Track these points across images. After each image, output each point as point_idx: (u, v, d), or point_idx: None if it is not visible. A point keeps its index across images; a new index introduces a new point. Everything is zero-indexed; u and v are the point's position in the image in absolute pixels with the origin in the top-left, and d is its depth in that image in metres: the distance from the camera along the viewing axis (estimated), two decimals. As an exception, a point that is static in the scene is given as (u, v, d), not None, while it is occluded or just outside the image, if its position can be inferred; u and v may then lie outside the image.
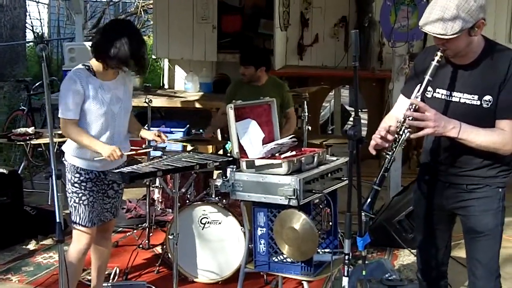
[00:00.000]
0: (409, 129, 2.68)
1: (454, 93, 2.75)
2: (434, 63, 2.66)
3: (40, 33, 13.01)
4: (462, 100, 2.73)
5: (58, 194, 2.84)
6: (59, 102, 3.52)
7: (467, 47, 2.66)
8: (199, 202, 4.35)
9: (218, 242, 4.27)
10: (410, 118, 2.64)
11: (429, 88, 2.76)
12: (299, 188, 3.05)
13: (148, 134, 3.83)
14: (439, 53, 2.66)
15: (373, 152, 2.79)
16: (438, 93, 2.79)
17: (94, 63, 3.57)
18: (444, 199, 2.91)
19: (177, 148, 6.41)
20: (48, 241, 5.12)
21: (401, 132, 2.69)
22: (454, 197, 2.87)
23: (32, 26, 13.18)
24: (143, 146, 4.88)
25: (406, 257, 4.85)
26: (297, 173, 3.16)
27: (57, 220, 2.79)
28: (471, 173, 2.81)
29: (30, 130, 5.91)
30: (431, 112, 2.63)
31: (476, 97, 2.70)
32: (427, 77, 2.67)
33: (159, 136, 3.76)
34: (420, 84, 2.69)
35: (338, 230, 3.59)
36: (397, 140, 2.71)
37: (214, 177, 4.61)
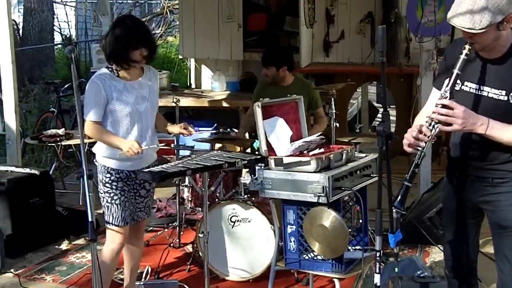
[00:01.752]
0: (438, 125, 2.65)
1: (483, 87, 2.72)
2: (462, 56, 2.63)
3: (68, 35, 13.17)
4: (490, 95, 2.70)
5: (90, 194, 2.87)
6: (84, 104, 3.59)
7: (495, 41, 2.62)
8: (228, 201, 4.37)
9: (248, 240, 4.28)
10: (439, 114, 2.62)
11: (458, 81, 2.73)
12: (328, 185, 3.05)
13: (175, 128, 3.86)
14: (467, 46, 2.62)
15: (409, 150, 2.76)
16: (467, 86, 2.76)
17: (115, 65, 3.63)
18: (471, 193, 2.88)
19: (205, 147, 6.44)
20: (80, 241, 5.19)
21: (430, 128, 2.66)
22: (481, 190, 2.84)
23: (60, 29, 13.36)
24: (172, 146, 4.93)
25: (438, 254, 4.80)
26: (326, 170, 3.16)
27: (89, 219, 2.82)
28: (497, 167, 2.78)
29: (61, 131, 6.00)
30: (459, 109, 2.60)
31: (503, 92, 2.67)
32: (455, 71, 2.64)
33: (185, 128, 3.78)
34: (448, 78, 2.66)
35: (368, 227, 3.58)
36: (427, 135, 2.68)
37: (243, 175, 4.62)
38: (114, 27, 3.64)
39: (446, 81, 2.67)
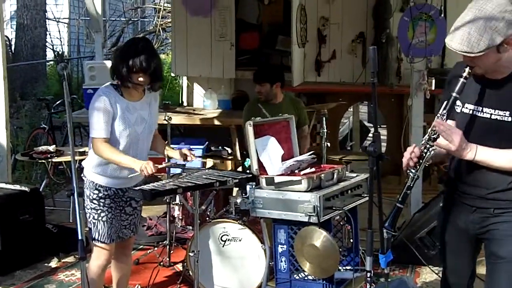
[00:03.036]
0: (433, 148, 2.65)
1: (485, 109, 2.67)
2: (461, 79, 2.60)
3: (60, 52, 13.19)
4: (493, 116, 2.65)
5: (80, 211, 2.86)
6: (90, 122, 3.56)
7: (495, 63, 2.57)
8: (219, 219, 4.35)
9: (239, 260, 4.26)
10: (434, 136, 2.61)
11: (458, 103, 2.70)
12: (319, 205, 3.06)
13: (175, 153, 3.81)
14: (467, 70, 2.59)
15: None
16: (466, 108, 2.72)
17: (118, 82, 3.63)
18: (469, 223, 2.80)
19: (197, 165, 6.44)
20: (69, 259, 5.15)
21: (425, 150, 2.66)
22: (480, 221, 2.76)
23: (53, 45, 13.38)
24: (163, 163, 4.91)
25: (429, 274, 4.80)
26: (317, 190, 3.16)
27: (79, 237, 2.81)
28: (498, 196, 2.69)
29: (51, 148, 5.98)
30: (456, 134, 2.58)
31: (507, 113, 2.62)
32: (453, 94, 2.61)
33: (185, 155, 3.75)
34: (446, 101, 2.64)
35: (359, 247, 3.58)
36: (422, 158, 2.67)
37: (234, 194, 4.62)
38: (124, 47, 3.64)
39: (444, 103, 2.66)
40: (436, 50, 5.71)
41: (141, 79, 3.53)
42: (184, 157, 3.75)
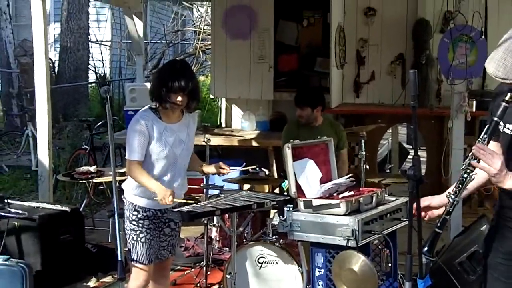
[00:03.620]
0: (475, 173, 2.61)
1: None
2: (503, 104, 2.58)
3: (102, 74, 13.45)
4: None
5: (120, 232, 2.89)
6: (126, 143, 3.63)
7: None
8: (256, 242, 4.35)
9: (275, 282, 4.24)
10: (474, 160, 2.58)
11: (501, 123, 2.67)
12: (357, 228, 3.03)
13: (210, 168, 3.89)
14: (509, 94, 2.57)
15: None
16: (508, 128, 2.69)
17: (156, 104, 3.68)
18: None
19: (234, 187, 6.45)
20: (107, 279, 5.19)
21: (465, 175, 2.63)
22: None
23: (95, 67, 13.65)
24: (201, 185, 4.95)
25: (467, 300, 4.69)
26: (355, 214, 3.14)
27: (119, 258, 2.84)
28: None
29: (92, 168, 6.07)
30: (496, 158, 2.55)
31: None
32: (495, 119, 2.59)
33: (221, 168, 3.80)
34: (488, 125, 2.62)
35: (397, 272, 3.53)
36: (462, 182, 2.64)
37: (271, 216, 4.61)
38: (162, 67, 3.73)
39: (485, 128, 2.64)
40: (476, 72, 5.64)
41: (179, 98, 3.58)
42: (219, 170, 3.79)
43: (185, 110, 3.73)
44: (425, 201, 2.79)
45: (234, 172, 6.91)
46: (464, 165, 2.64)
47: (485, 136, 2.60)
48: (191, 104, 3.69)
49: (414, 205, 2.62)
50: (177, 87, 3.54)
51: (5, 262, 4.56)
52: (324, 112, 5.34)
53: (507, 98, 2.57)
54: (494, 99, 2.82)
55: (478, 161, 2.58)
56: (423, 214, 2.79)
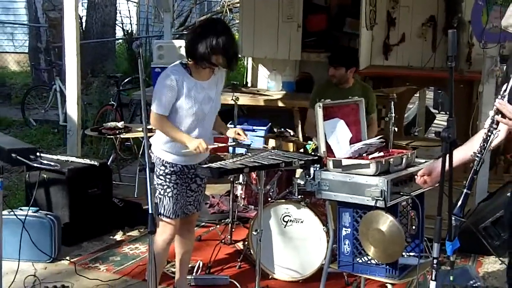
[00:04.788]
0: (498, 130, 2.61)
1: None
2: None
3: (129, 31, 13.42)
4: None
5: (151, 186, 2.92)
6: (153, 96, 3.65)
7: None
8: (282, 200, 4.38)
9: (300, 241, 4.27)
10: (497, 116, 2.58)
11: None
12: (386, 189, 3.02)
13: (230, 132, 3.90)
14: None
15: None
16: None
17: (190, 62, 3.67)
18: None
19: (259, 145, 6.47)
20: (134, 233, 5.28)
21: (489, 134, 2.62)
22: None
23: (122, 24, 13.62)
24: (228, 142, 4.96)
25: (491, 264, 4.70)
26: (385, 174, 3.13)
27: (150, 211, 2.87)
28: None
29: (120, 124, 6.12)
30: None
31: None
32: None
33: (239, 134, 3.83)
34: (506, 83, 2.64)
35: (424, 234, 3.53)
36: (487, 141, 2.64)
37: (297, 175, 4.62)
38: (203, 27, 3.66)
39: (504, 86, 2.64)
40: (510, 36, 5.51)
41: (220, 60, 3.58)
42: (237, 136, 3.83)
43: (228, 69, 3.73)
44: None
45: (259, 130, 6.98)
46: (487, 124, 2.64)
47: (505, 93, 2.60)
48: (232, 65, 3.69)
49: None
50: (221, 48, 3.53)
51: (35, 214, 4.67)
52: (354, 74, 5.29)
53: None
54: (510, 61, 2.82)
55: (503, 116, 2.58)
56: (427, 178, 2.81)
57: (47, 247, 4.62)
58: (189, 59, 3.68)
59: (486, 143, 2.65)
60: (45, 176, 4.93)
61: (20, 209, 4.65)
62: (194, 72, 3.67)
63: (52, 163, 4.24)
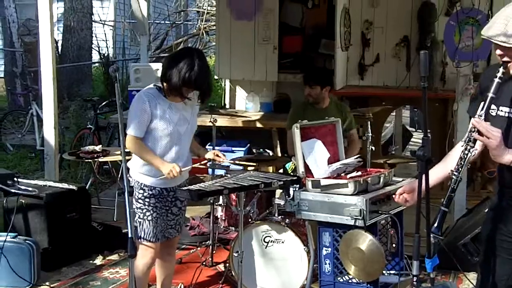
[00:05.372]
0: (475, 149, 2.65)
1: None
2: (496, 79, 2.62)
3: (105, 54, 13.42)
4: None
5: (130, 210, 2.92)
6: (128, 119, 3.65)
7: None
8: (262, 221, 4.38)
9: (281, 261, 4.27)
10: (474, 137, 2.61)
11: (493, 106, 2.70)
12: (365, 208, 3.06)
13: (209, 154, 3.91)
14: (501, 69, 2.61)
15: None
16: (502, 111, 2.72)
17: (165, 85, 3.69)
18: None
19: (238, 167, 6.47)
20: (114, 257, 5.24)
21: (466, 152, 2.66)
22: None
23: (98, 47, 13.61)
24: (208, 164, 4.97)
25: (472, 280, 4.74)
26: (363, 194, 3.16)
27: (129, 235, 2.87)
28: None
29: (98, 148, 6.09)
30: (495, 131, 2.58)
31: None
32: (490, 94, 2.62)
33: (217, 156, 3.84)
34: (483, 102, 2.64)
35: (404, 252, 3.57)
36: (464, 159, 2.67)
37: (277, 196, 4.64)
38: (178, 57, 3.65)
39: (481, 104, 2.66)
40: (482, 55, 5.64)
41: (191, 94, 3.60)
42: (215, 158, 3.84)
43: (199, 102, 3.75)
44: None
45: (238, 151, 6.99)
46: (463, 143, 2.67)
47: (482, 112, 2.63)
48: (204, 99, 3.72)
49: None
50: (193, 83, 3.55)
51: (13, 239, 4.62)
52: (330, 94, 5.35)
53: (499, 74, 2.60)
54: (482, 79, 2.86)
55: (480, 134, 2.61)
56: (408, 196, 2.85)
57: (26, 273, 4.57)
58: (164, 84, 3.70)
59: (463, 162, 2.67)
60: (23, 201, 4.88)
61: (-2, 235, 4.61)
62: (168, 94, 3.69)
63: (30, 188, 4.22)
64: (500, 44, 2.55)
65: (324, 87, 5.01)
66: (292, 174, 4.21)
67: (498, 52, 2.62)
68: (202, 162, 3.95)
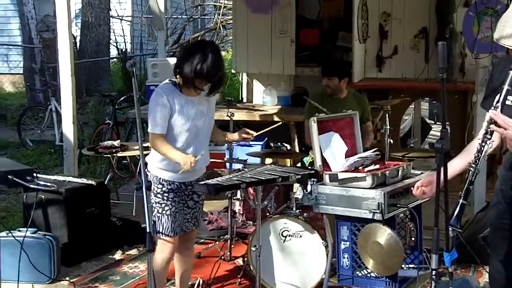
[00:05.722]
0: (492, 141, 2.63)
1: None
2: (511, 72, 2.61)
3: (123, 49, 13.47)
4: None
5: (148, 205, 2.93)
6: (148, 117, 3.65)
7: None
8: (280, 215, 4.37)
9: (299, 255, 4.26)
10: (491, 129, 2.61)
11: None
12: (383, 202, 3.04)
13: (235, 136, 3.92)
14: None
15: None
16: (509, 100, 2.72)
17: (179, 80, 3.69)
18: None
19: (256, 161, 6.48)
20: (133, 251, 5.26)
21: (483, 144, 2.64)
22: None
23: (116, 42, 13.66)
24: (224, 159, 4.98)
25: (492, 274, 4.69)
26: (381, 187, 3.14)
27: (147, 230, 2.88)
28: None
29: (116, 143, 6.12)
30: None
31: None
32: (506, 87, 2.63)
33: (247, 133, 3.83)
34: (499, 94, 2.65)
35: (423, 245, 3.54)
36: (481, 151, 2.66)
37: (295, 190, 4.63)
38: (191, 49, 3.67)
39: (497, 97, 2.65)
40: (502, 46, 5.56)
41: (203, 84, 3.60)
42: (244, 136, 3.84)
43: (207, 95, 3.75)
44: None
45: (255, 145, 6.99)
46: (480, 135, 2.66)
47: (498, 104, 2.63)
48: (214, 91, 3.72)
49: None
50: (205, 74, 3.54)
51: (33, 235, 4.65)
52: (348, 86, 5.33)
53: None
54: (493, 72, 2.84)
55: (497, 126, 2.60)
56: (426, 189, 2.84)
57: (46, 268, 4.61)
58: (177, 77, 3.70)
59: (480, 154, 2.67)
60: (42, 196, 4.92)
61: (18, 230, 4.65)
62: (183, 89, 3.69)
63: (49, 184, 4.25)
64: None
65: (342, 79, 4.99)
66: (309, 167, 4.21)
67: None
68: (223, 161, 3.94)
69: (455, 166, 2.80)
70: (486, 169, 5.67)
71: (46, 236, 4.70)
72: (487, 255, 4.71)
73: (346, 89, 5.13)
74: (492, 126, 2.62)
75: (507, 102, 2.73)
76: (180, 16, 14.98)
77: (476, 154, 2.68)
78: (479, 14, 5.54)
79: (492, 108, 2.64)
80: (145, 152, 4.20)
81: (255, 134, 3.83)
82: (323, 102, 5.01)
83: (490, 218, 3.01)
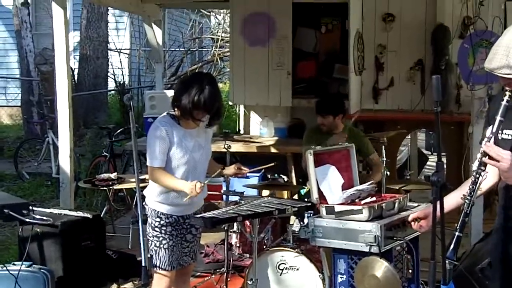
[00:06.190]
0: (486, 172, 2.63)
1: None
2: (503, 103, 2.63)
3: (121, 82, 13.54)
4: None
5: (144, 238, 2.91)
6: (147, 151, 3.66)
7: None
8: (276, 248, 4.35)
9: (297, 288, 4.23)
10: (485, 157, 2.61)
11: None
12: (380, 234, 3.03)
13: (230, 170, 3.95)
14: (508, 93, 2.63)
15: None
16: (506, 134, 2.74)
17: (177, 112, 3.70)
18: None
19: (253, 193, 6.46)
20: (128, 285, 5.22)
21: (477, 176, 2.64)
22: None
23: (114, 75, 13.74)
24: (221, 191, 4.97)
25: (491, 307, 4.65)
26: (378, 220, 3.13)
27: (143, 264, 2.86)
28: None
29: (113, 175, 6.12)
30: (506, 154, 2.58)
31: None
32: (498, 118, 2.65)
33: (239, 169, 3.84)
34: (492, 126, 2.66)
35: (420, 278, 3.52)
36: (475, 183, 2.66)
37: (291, 222, 4.61)
38: (188, 81, 3.69)
39: (490, 128, 2.67)
40: (497, 77, 5.60)
41: (202, 116, 3.61)
42: (238, 171, 3.89)
43: (207, 126, 3.76)
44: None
45: (252, 177, 6.97)
46: (475, 166, 2.66)
47: (491, 135, 2.63)
48: (214, 123, 3.74)
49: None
50: (202, 105, 3.56)
51: (28, 268, 4.60)
52: (344, 118, 5.34)
53: (506, 97, 2.60)
54: (491, 105, 2.87)
55: (490, 158, 2.61)
56: (423, 222, 2.84)
57: (41, 302, 4.56)
58: (175, 110, 3.71)
59: (475, 185, 2.67)
60: (38, 230, 4.88)
61: (13, 264, 4.60)
62: (182, 121, 3.70)
63: (45, 218, 4.23)
64: (505, 76, 2.57)
65: (337, 116, 5.00)
66: (305, 199, 4.19)
67: (503, 82, 2.63)
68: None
69: (451, 200, 2.80)
70: (483, 200, 5.66)
71: (41, 270, 4.64)
72: (485, 286, 4.70)
73: (342, 123, 5.14)
74: (485, 159, 2.63)
75: (503, 136, 2.74)
76: (178, 49, 15.09)
77: (470, 186, 2.68)
78: (474, 46, 5.59)
79: (485, 140, 2.65)
80: (141, 185, 4.21)
81: (248, 171, 3.83)
82: (319, 135, 5.03)
83: None
